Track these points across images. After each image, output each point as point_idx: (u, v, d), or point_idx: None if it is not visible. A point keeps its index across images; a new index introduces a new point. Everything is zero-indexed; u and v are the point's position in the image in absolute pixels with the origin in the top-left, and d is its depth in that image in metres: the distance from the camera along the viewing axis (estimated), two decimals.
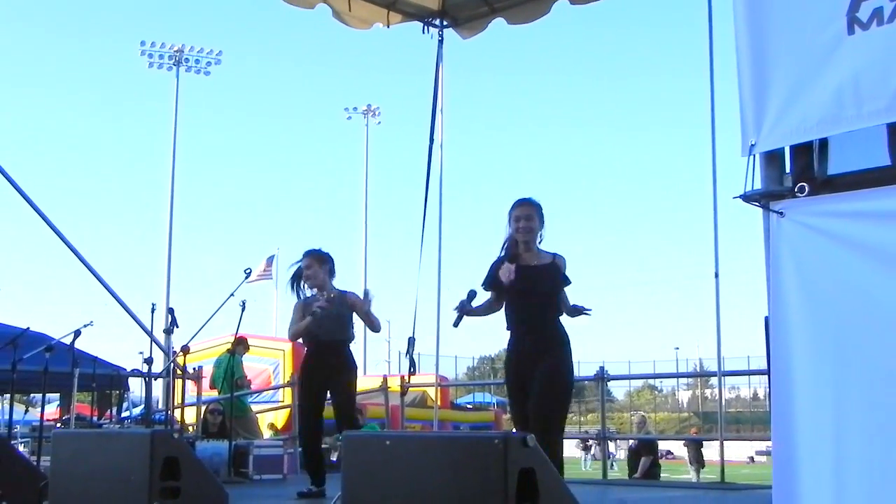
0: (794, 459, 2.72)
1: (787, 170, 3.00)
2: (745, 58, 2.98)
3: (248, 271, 9.53)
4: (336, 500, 4.08)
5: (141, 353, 12.24)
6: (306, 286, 7.54)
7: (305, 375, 7.48)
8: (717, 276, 10.29)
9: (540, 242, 5.98)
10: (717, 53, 9.74)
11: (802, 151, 2.93)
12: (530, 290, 5.80)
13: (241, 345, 11.69)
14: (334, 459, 13.26)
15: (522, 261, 5.90)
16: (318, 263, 7.48)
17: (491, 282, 5.95)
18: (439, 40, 11.18)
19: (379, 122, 42.45)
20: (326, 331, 7.32)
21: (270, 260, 35.83)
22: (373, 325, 7.53)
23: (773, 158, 3.00)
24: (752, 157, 2.89)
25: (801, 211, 2.81)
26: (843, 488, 2.62)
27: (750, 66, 2.96)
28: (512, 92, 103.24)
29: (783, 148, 2.98)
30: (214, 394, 12.27)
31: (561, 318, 5.89)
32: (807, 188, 2.84)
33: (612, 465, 23.52)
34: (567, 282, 5.96)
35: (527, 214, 5.91)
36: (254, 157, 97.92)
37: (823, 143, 2.91)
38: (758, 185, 2.92)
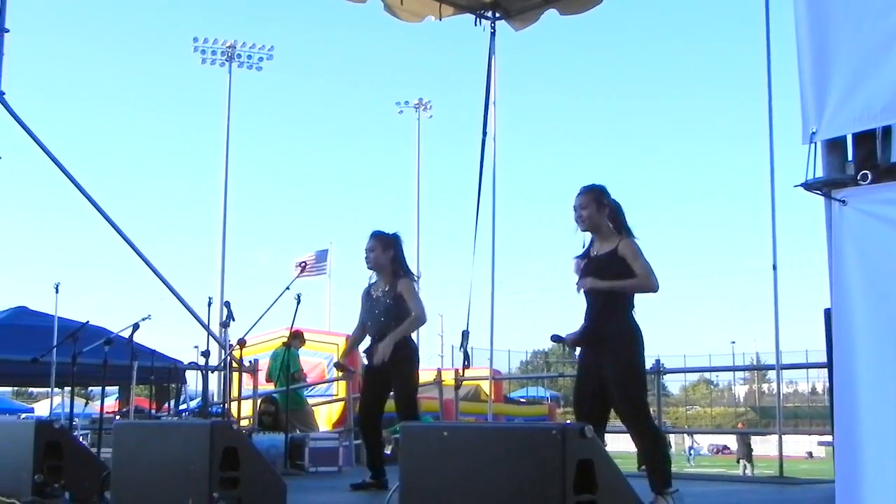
0: (857, 453, 2.68)
1: (850, 157, 2.95)
2: (805, 45, 2.94)
3: (301, 264, 9.61)
4: (394, 490, 4.09)
5: (196, 346, 12.38)
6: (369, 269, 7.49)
7: (366, 368, 7.48)
8: (774, 268, 10.18)
9: (619, 227, 5.76)
10: (774, 43, 9.64)
11: (865, 139, 2.88)
12: (593, 274, 5.70)
13: (296, 338, 11.75)
14: (388, 453, 13.34)
15: (598, 249, 5.81)
16: (381, 246, 7.41)
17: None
18: (492, 32, 11.19)
19: (430, 116, 42.42)
20: (379, 326, 7.30)
21: (324, 254, 36.00)
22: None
23: (834, 146, 2.96)
24: (813, 144, 2.86)
25: (865, 199, 2.76)
26: None
27: (810, 53, 2.92)
28: (565, 84, 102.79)
29: (845, 136, 2.94)
30: (270, 387, 12.37)
31: (624, 308, 5.73)
32: (870, 176, 2.80)
33: None
34: (619, 268, 5.61)
35: (579, 203, 5.73)
36: (306, 151, 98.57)
37: (887, 130, 2.86)
38: (819, 174, 2.88)
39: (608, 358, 5.59)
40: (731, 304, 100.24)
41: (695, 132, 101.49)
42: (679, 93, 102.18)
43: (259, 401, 11.48)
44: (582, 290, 5.77)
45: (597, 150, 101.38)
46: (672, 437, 38.19)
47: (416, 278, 7.62)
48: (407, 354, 7.27)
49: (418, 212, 41.10)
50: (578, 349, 5.93)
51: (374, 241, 7.43)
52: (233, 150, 34.14)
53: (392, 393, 7.36)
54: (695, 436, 39.45)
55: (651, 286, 5.65)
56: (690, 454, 40.08)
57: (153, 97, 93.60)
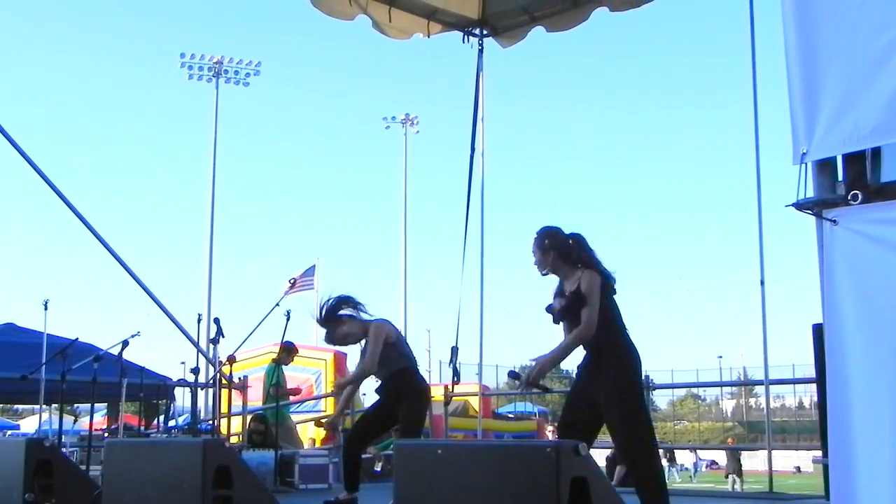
0: (851, 468, 2.71)
1: (840, 177, 3.00)
2: (794, 65, 2.98)
3: (292, 281, 9.63)
4: None
5: (183, 362, 12.35)
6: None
7: (377, 400, 7.51)
8: (762, 283, 10.22)
9: (575, 261, 5.79)
10: (760, 61, 9.72)
11: (855, 159, 2.93)
12: (565, 319, 5.80)
13: (288, 353, 11.75)
14: (378, 470, 13.31)
15: (566, 289, 5.88)
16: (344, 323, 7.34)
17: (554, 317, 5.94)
18: (479, 49, 11.25)
19: (417, 132, 42.51)
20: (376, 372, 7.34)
21: (311, 269, 35.95)
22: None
23: (825, 166, 3.00)
24: (803, 165, 2.90)
25: (855, 219, 2.80)
26: None
27: (800, 73, 2.96)
28: (552, 99, 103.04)
29: (835, 156, 2.99)
30: (259, 403, 12.36)
31: (612, 332, 5.77)
32: (860, 196, 2.84)
33: None
34: (572, 300, 5.67)
35: (533, 251, 5.88)
36: (294, 166, 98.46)
37: (876, 150, 2.90)
38: (810, 193, 2.92)
39: (608, 380, 5.59)
40: (717, 318, 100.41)
41: (682, 147, 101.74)
42: (666, 108, 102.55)
43: (249, 418, 11.47)
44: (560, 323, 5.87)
45: (584, 165, 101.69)
46: (678, 453, 38.32)
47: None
48: (402, 393, 7.23)
49: (405, 227, 41.11)
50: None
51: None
52: (220, 166, 34.00)
53: (399, 427, 7.39)
54: (681, 451, 39.38)
55: (586, 337, 5.66)
56: (695, 470, 39.95)
57: (140, 112, 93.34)
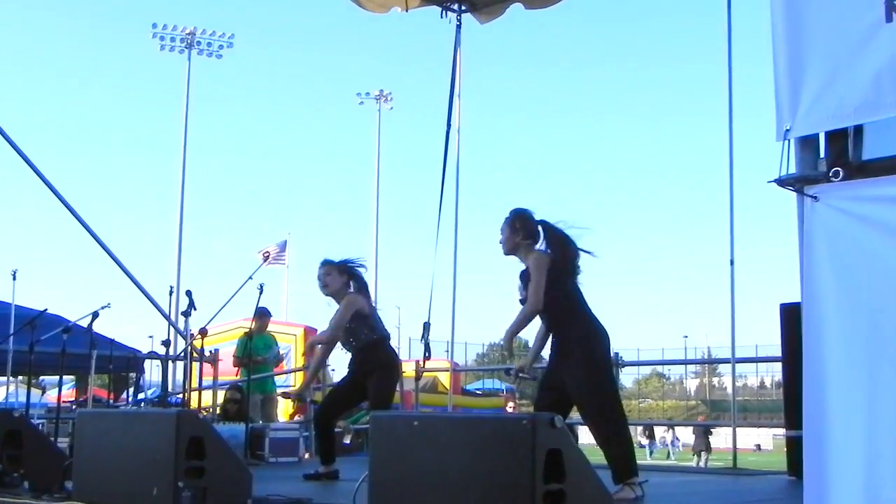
0: (825, 445, 2.74)
1: (822, 154, 3.02)
2: (780, 43, 3.00)
3: (266, 254, 9.61)
4: (363, 479, 4.11)
5: (151, 336, 12.31)
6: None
7: (348, 372, 7.56)
8: (732, 263, 10.30)
9: (538, 244, 5.98)
10: (736, 39, 9.76)
11: (837, 137, 2.95)
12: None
13: (260, 318, 11.75)
14: (347, 443, 13.33)
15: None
16: (336, 272, 7.52)
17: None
18: (457, 25, 11.20)
19: (391, 108, 42.44)
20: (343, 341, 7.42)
21: (283, 245, 35.84)
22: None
23: (808, 143, 3.03)
24: (786, 141, 2.92)
25: (836, 195, 2.83)
26: (875, 472, 2.64)
27: (786, 51, 2.97)
28: (527, 77, 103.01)
29: (818, 133, 3.01)
30: (231, 376, 12.33)
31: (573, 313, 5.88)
32: (841, 173, 2.86)
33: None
34: (525, 281, 5.89)
35: (501, 230, 6.04)
36: (265, 140, 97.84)
37: (858, 128, 2.93)
38: (792, 170, 2.94)
39: (573, 359, 5.68)
40: (683, 299, 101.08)
41: (653, 129, 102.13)
42: (636, 89, 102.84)
43: (224, 391, 11.48)
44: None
45: (558, 143, 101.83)
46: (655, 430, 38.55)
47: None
48: (374, 365, 7.36)
49: (377, 203, 41.10)
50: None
51: (328, 267, 7.54)
52: (191, 138, 33.81)
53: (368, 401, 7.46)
54: (647, 428, 39.52)
55: (531, 313, 5.83)
56: (673, 448, 39.99)
57: (111, 83, 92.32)
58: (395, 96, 42.61)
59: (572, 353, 5.69)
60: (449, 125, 11.09)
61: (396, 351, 8.15)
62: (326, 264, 7.52)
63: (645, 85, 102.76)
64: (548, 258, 5.82)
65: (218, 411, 11.16)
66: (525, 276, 5.90)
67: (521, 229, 5.95)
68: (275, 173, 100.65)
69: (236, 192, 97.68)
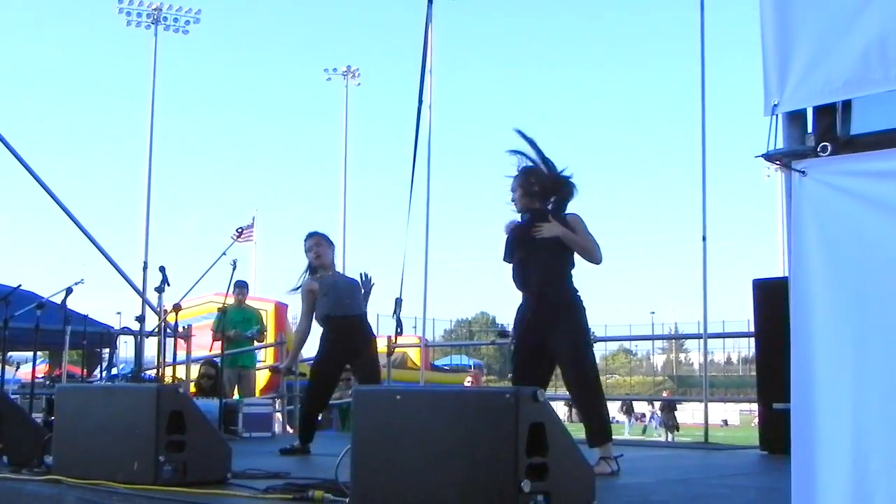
0: (813, 417, 2.78)
1: (810, 129, 3.05)
2: (768, 18, 3.01)
3: (239, 230, 9.58)
4: (345, 453, 4.13)
5: (119, 312, 12.28)
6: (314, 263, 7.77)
7: (326, 347, 7.60)
8: (704, 239, 10.44)
9: (552, 203, 5.98)
10: (708, 11, 9.83)
11: (826, 112, 2.97)
12: (528, 242, 5.88)
13: (240, 290, 11.82)
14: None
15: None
16: (326, 244, 7.75)
17: (509, 255, 6.02)
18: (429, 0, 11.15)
19: (359, 84, 42.33)
20: (342, 306, 7.47)
21: (251, 222, 35.77)
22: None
23: (795, 118, 3.05)
24: (774, 116, 2.94)
25: (823, 170, 2.85)
26: (863, 445, 2.68)
27: (773, 26, 2.99)
28: (499, 53, 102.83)
29: (806, 108, 3.04)
30: (204, 352, 12.33)
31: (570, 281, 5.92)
32: (829, 148, 2.89)
33: None
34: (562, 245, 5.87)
35: (511, 187, 6.01)
36: (233, 117, 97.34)
37: (847, 103, 2.95)
38: (780, 145, 2.97)
39: (561, 325, 5.72)
40: (650, 275, 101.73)
41: (628, 102, 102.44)
42: (614, 61, 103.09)
43: (200, 366, 11.48)
44: (520, 258, 5.92)
45: (528, 118, 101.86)
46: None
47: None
48: (365, 337, 7.74)
49: (345, 180, 41.03)
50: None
51: (318, 237, 7.85)
52: (158, 115, 33.57)
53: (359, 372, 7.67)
54: (625, 403, 39.69)
55: (598, 256, 5.83)
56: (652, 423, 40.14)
57: (77, 60, 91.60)
58: (363, 72, 42.52)
59: (567, 320, 5.74)
60: (420, 101, 11.05)
61: None
62: (318, 235, 7.79)
63: (620, 57, 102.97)
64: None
65: (192, 388, 11.15)
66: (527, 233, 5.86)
67: (533, 187, 5.95)
68: (242, 150, 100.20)
69: (204, 168, 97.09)
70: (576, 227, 5.82)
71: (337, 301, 7.53)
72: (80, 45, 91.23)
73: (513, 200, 6.00)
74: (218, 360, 10.38)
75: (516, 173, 5.99)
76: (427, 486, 3.79)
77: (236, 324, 11.65)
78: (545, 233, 5.73)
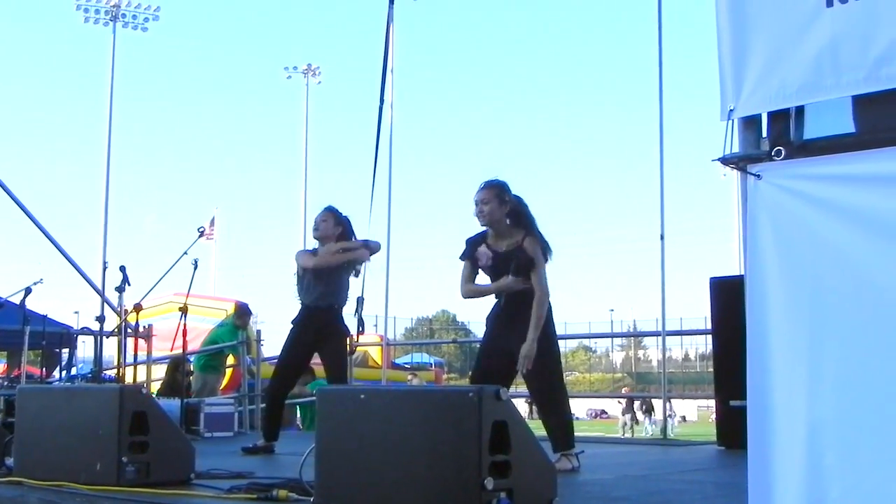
0: (769, 413, 2.85)
1: (765, 134, 3.13)
2: (724, 24, 3.09)
3: (201, 230, 9.55)
4: (308, 452, 4.16)
5: (77, 312, 12.22)
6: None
7: (294, 336, 7.53)
8: (662, 238, 10.57)
9: (517, 221, 5.99)
10: (666, 20, 9.93)
11: (780, 117, 3.05)
12: (499, 275, 5.91)
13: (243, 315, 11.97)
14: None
15: (494, 244, 5.96)
16: (333, 218, 7.60)
17: (469, 256, 6.04)
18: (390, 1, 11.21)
19: (319, 82, 42.27)
20: (318, 296, 7.41)
21: (211, 220, 35.62)
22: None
23: (751, 123, 3.13)
24: (730, 121, 3.02)
25: (777, 174, 2.93)
26: (817, 440, 2.76)
27: (729, 32, 3.07)
28: (461, 53, 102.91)
29: (761, 113, 3.11)
30: (165, 352, 12.28)
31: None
32: (783, 152, 2.97)
33: None
34: (525, 267, 5.86)
35: (482, 198, 5.89)
36: (192, 115, 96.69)
37: (800, 108, 3.03)
38: (736, 149, 3.05)
39: (523, 332, 5.77)
40: (608, 273, 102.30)
41: (587, 103, 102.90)
42: (573, 61, 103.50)
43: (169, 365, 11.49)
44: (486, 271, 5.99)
45: (488, 116, 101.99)
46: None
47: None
48: (335, 329, 7.58)
49: (306, 178, 40.94)
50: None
51: (328, 213, 7.66)
52: (116, 112, 33.37)
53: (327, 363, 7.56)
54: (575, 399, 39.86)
55: (546, 302, 5.88)
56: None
57: (34, 57, 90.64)
58: (324, 71, 42.46)
59: (527, 319, 5.77)
60: (382, 100, 11.09)
61: None
62: (332, 210, 7.66)
63: (577, 57, 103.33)
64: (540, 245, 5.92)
65: (158, 388, 11.15)
66: (501, 255, 5.92)
67: (508, 203, 5.94)
68: (202, 148, 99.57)
69: (163, 166, 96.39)
70: (532, 255, 5.85)
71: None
72: (37, 42, 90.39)
73: (480, 213, 5.90)
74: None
75: (486, 185, 5.95)
76: (391, 484, 3.83)
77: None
78: (529, 365, 5.79)
